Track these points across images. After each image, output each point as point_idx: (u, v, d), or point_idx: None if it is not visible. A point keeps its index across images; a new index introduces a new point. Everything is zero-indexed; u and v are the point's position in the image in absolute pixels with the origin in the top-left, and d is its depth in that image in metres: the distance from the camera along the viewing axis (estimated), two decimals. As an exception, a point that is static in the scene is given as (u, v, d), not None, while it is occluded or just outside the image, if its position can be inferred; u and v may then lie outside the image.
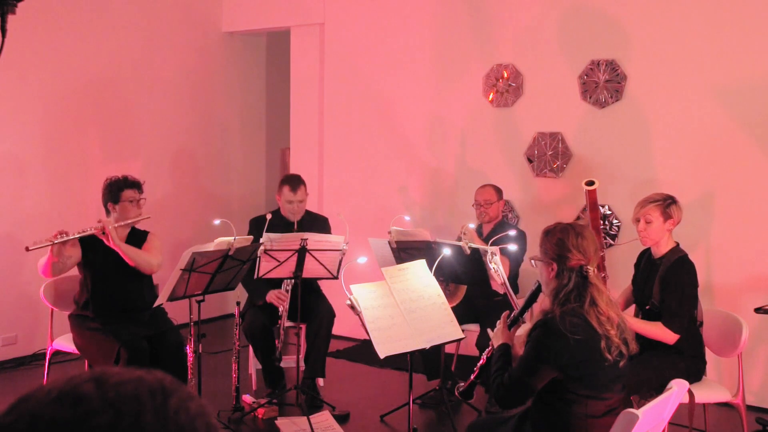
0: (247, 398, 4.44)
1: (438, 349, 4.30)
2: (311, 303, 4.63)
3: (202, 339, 4.05)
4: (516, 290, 4.66)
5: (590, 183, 4.19)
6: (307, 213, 4.86)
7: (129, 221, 4.13)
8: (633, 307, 3.91)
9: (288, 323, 4.66)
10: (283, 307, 4.38)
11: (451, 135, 5.81)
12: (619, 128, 5.10)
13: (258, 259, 4.07)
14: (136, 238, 4.25)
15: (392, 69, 6.05)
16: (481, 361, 3.00)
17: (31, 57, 5.35)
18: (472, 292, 4.64)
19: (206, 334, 4.20)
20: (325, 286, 4.78)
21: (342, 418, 4.29)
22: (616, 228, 5.11)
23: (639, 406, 2.41)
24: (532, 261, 2.75)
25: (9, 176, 5.31)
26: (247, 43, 7.13)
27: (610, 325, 2.51)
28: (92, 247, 4.07)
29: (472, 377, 3.04)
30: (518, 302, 3.61)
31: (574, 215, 5.22)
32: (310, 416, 4.04)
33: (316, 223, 4.82)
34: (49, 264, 3.91)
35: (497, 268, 3.79)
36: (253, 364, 4.86)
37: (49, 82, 5.50)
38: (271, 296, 4.44)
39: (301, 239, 4.12)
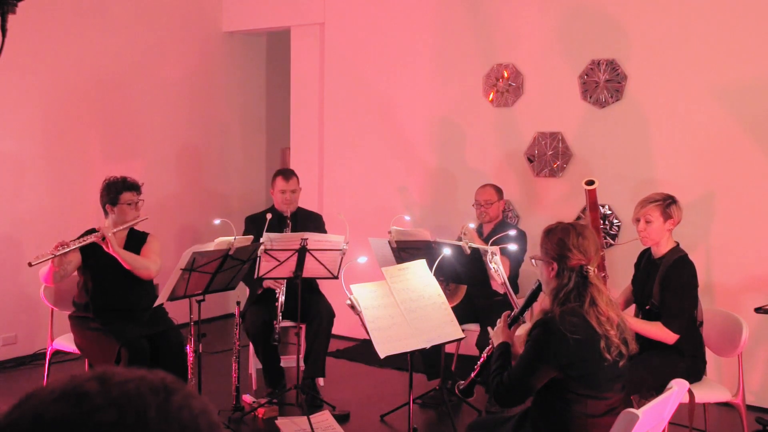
0: (247, 398, 4.44)
1: (438, 348, 4.30)
2: (311, 303, 4.63)
3: (203, 339, 4.05)
4: (516, 290, 4.66)
5: (590, 182, 4.19)
6: (301, 209, 4.88)
7: (127, 225, 4.13)
8: (633, 307, 3.91)
9: (288, 323, 4.67)
10: (280, 290, 4.40)
11: (452, 135, 5.81)
12: (619, 128, 5.10)
13: (258, 258, 4.07)
14: (135, 239, 4.25)
15: (392, 69, 6.05)
16: (481, 360, 3.00)
17: (31, 57, 5.35)
18: (472, 291, 4.65)
19: (206, 334, 4.20)
20: (325, 286, 4.78)
21: (342, 418, 4.29)
22: (616, 228, 5.11)
23: (639, 406, 2.41)
24: (533, 260, 2.75)
25: (9, 176, 5.31)
26: (247, 43, 7.13)
27: (609, 325, 2.51)
28: (92, 250, 4.07)
29: (472, 375, 3.04)
30: (518, 302, 3.60)
31: (575, 215, 5.22)
32: (310, 416, 4.03)
33: (310, 219, 4.84)
34: (50, 273, 3.93)
35: (497, 268, 3.79)
36: (254, 364, 4.86)
37: (49, 82, 5.50)
38: (269, 281, 4.46)
39: (302, 239, 4.12)
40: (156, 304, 3.88)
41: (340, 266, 4.26)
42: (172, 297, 3.77)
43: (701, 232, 4.77)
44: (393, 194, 6.06)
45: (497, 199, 4.87)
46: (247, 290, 4.89)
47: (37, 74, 5.42)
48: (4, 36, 1.84)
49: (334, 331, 4.70)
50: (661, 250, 3.68)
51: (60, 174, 5.59)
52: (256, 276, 4.19)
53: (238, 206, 6.88)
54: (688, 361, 3.57)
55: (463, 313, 4.10)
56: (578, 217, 5.18)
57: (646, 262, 3.82)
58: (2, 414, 0.74)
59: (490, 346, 2.90)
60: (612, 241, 5.09)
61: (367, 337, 3.11)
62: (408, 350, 3.16)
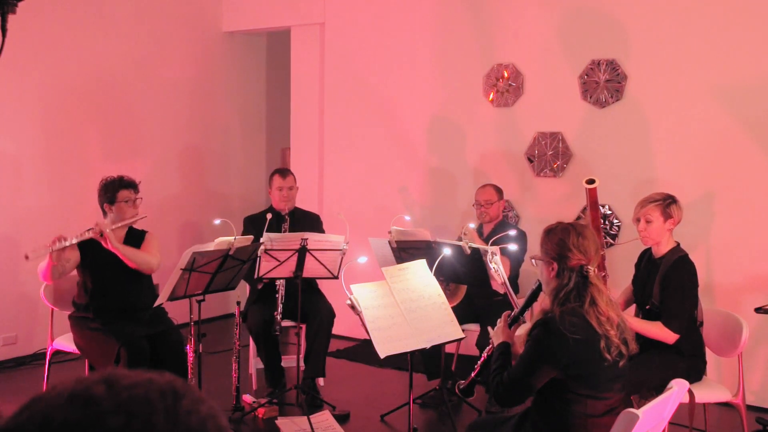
0: (248, 398, 4.45)
1: (438, 348, 4.30)
2: (311, 303, 4.63)
3: (203, 339, 4.06)
4: (516, 290, 4.66)
5: (590, 181, 4.18)
6: (299, 209, 4.91)
7: (125, 222, 4.13)
8: (633, 307, 3.91)
9: (288, 323, 4.67)
10: (280, 282, 4.42)
11: (452, 135, 5.81)
12: (619, 128, 5.10)
13: (258, 258, 4.07)
14: (134, 237, 4.25)
15: (392, 69, 6.05)
16: (481, 359, 3.00)
17: (31, 57, 5.35)
18: (472, 291, 4.64)
19: (206, 334, 4.20)
20: (325, 286, 4.78)
21: (342, 418, 4.29)
22: (617, 228, 5.11)
23: (639, 406, 2.41)
24: (533, 260, 2.75)
25: (8, 176, 5.31)
26: (248, 43, 7.13)
27: (609, 325, 2.51)
28: (91, 248, 4.07)
29: (472, 375, 3.04)
30: (518, 302, 3.61)
31: (575, 215, 5.22)
32: (311, 416, 4.04)
33: (307, 219, 4.85)
34: (48, 269, 3.91)
35: (497, 268, 3.79)
36: (254, 364, 4.86)
37: (48, 82, 5.50)
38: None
39: (302, 239, 4.12)
40: (156, 304, 3.87)
41: (340, 266, 4.26)
42: (172, 297, 3.77)
43: (701, 232, 4.77)
44: (393, 194, 6.06)
45: (497, 199, 4.87)
46: (248, 290, 4.90)
47: (36, 74, 5.42)
48: (4, 36, 1.84)
49: (334, 331, 4.70)
50: (661, 249, 3.68)
51: (60, 174, 5.59)
52: (256, 276, 4.19)
53: (238, 206, 6.88)
54: (688, 361, 3.57)
55: (463, 313, 4.10)
56: (578, 217, 5.18)
57: (646, 262, 3.82)
58: (9, 416, 0.75)
59: (490, 346, 2.90)
60: (612, 241, 5.09)
61: (367, 337, 3.11)
62: (408, 350, 3.16)
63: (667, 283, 3.56)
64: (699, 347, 3.68)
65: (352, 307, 3.14)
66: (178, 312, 4.54)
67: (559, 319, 2.49)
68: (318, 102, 6.41)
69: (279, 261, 4.14)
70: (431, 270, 3.36)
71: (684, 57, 4.86)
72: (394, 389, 4.86)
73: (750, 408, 4.20)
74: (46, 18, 5.41)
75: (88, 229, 4.09)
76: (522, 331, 2.77)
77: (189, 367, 4.08)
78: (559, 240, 2.60)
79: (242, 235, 4.51)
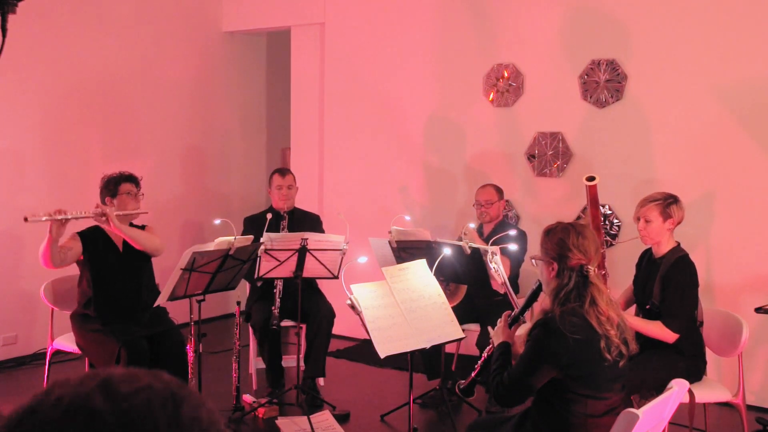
0: (248, 398, 4.44)
1: (438, 348, 4.30)
2: (311, 303, 4.63)
3: (203, 338, 4.06)
4: (516, 290, 4.66)
5: (591, 178, 4.16)
6: (299, 209, 4.91)
7: (128, 212, 4.11)
8: (633, 307, 3.91)
9: (288, 323, 4.68)
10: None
11: (452, 135, 5.81)
12: (619, 128, 5.10)
13: (258, 258, 4.08)
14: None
15: (393, 69, 6.05)
16: (481, 359, 3.00)
17: (31, 57, 5.35)
18: (472, 291, 4.65)
19: (206, 334, 4.20)
20: (325, 286, 4.79)
21: (342, 418, 4.29)
22: (617, 228, 5.11)
23: (639, 406, 2.41)
24: (533, 260, 2.75)
25: (9, 174, 5.31)
26: (248, 43, 7.13)
27: (609, 325, 2.51)
28: (93, 244, 4.07)
29: (473, 375, 3.04)
30: (518, 302, 3.60)
31: (575, 215, 5.22)
32: (311, 416, 4.04)
33: (307, 219, 4.85)
34: (48, 246, 3.81)
35: (497, 268, 3.79)
36: (254, 364, 4.86)
37: (49, 82, 5.50)
38: None
39: (302, 239, 4.13)
40: (156, 303, 3.87)
41: (340, 266, 4.26)
42: (172, 297, 3.77)
43: (701, 232, 4.77)
44: (393, 194, 6.06)
45: (498, 199, 4.87)
46: (248, 288, 4.90)
47: (36, 74, 5.42)
48: (4, 36, 1.84)
49: (334, 331, 4.70)
50: (661, 249, 3.69)
51: (60, 174, 5.59)
52: (256, 276, 4.19)
53: (238, 206, 6.88)
54: (688, 361, 3.57)
55: (463, 313, 4.10)
56: (578, 217, 5.19)
57: (647, 261, 3.82)
58: (2, 427, 0.71)
59: (491, 346, 2.90)
60: (612, 241, 5.09)
61: (367, 337, 3.11)
62: (408, 350, 3.16)
63: (667, 282, 3.56)
64: (699, 347, 3.68)
65: (352, 307, 3.14)
66: (178, 312, 4.54)
67: (560, 319, 2.49)
68: (318, 102, 6.41)
69: (279, 261, 4.14)
70: (431, 270, 3.36)
71: (684, 57, 4.86)
72: (394, 389, 4.86)
73: (750, 408, 4.20)
74: (46, 18, 5.41)
75: (92, 211, 4.01)
76: (522, 331, 2.77)
77: (189, 367, 4.07)
78: (559, 240, 2.60)
79: (242, 235, 4.51)
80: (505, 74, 5.53)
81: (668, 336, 3.50)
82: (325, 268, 4.25)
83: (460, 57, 5.73)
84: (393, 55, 6.04)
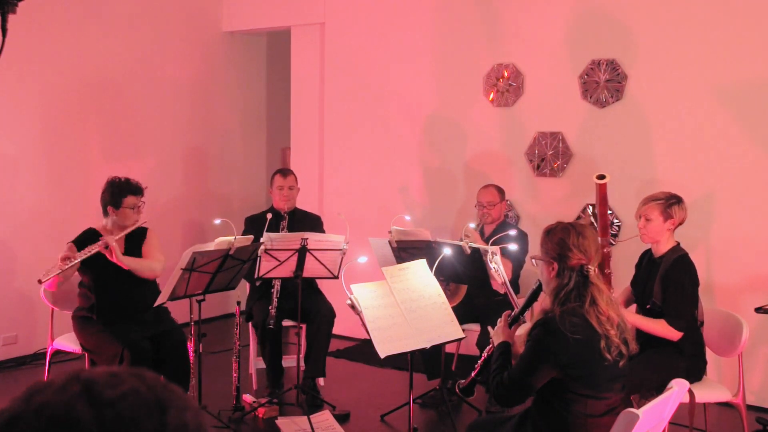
0: (248, 398, 4.45)
1: (438, 348, 4.30)
2: (312, 303, 4.63)
3: (203, 338, 4.06)
4: (516, 290, 4.66)
5: (601, 177, 4.12)
6: (300, 210, 4.91)
7: (127, 231, 4.14)
8: (634, 306, 3.91)
9: (288, 323, 4.67)
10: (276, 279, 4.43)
11: (452, 134, 5.81)
12: (619, 128, 5.10)
13: (258, 258, 4.08)
14: (135, 236, 4.25)
15: (393, 68, 6.05)
16: (481, 359, 3.00)
17: (30, 58, 5.34)
18: (472, 291, 4.64)
19: (206, 334, 4.20)
20: (325, 286, 4.78)
21: (342, 418, 4.29)
22: (617, 228, 5.11)
23: (639, 406, 2.41)
24: (533, 260, 2.75)
25: (8, 176, 5.31)
26: (248, 43, 7.13)
27: (609, 324, 2.51)
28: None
29: (472, 374, 3.04)
30: (519, 302, 3.60)
31: (575, 215, 5.22)
32: (311, 416, 4.04)
33: (307, 219, 4.85)
34: (55, 282, 3.94)
35: (497, 268, 3.79)
36: (254, 364, 4.86)
37: (48, 83, 5.50)
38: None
39: (302, 239, 4.13)
40: (156, 303, 3.88)
41: (340, 266, 4.26)
42: (173, 297, 3.77)
43: (701, 232, 4.77)
44: (393, 194, 6.06)
45: (499, 200, 4.86)
46: (248, 288, 4.90)
47: (37, 74, 5.42)
48: (4, 36, 1.84)
49: (334, 331, 4.70)
50: (661, 249, 3.69)
51: (59, 174, 5.59)
52: (256, 276, 4.19)
53: (238, 206, 6.88)
54: (689, 360, 3.58)
55: (463, 313, 4.10)
56: (578, 217, 5.19)
57: (646, 262, 3.83)
58: None
59: (491, 346, 2.90)
60: (612, 240, 5.09)
61: (368, 337, 3.11)
62: (408, 350, 3.16)
63: (668, 282, 3.57)
64: (699, 347, 3.68)
65: (353, 307, 3.14)
66: (179, 312, 4.54)
67: (560, 319, 2.49)
68: (318, 102, 6.41)
69: (279, 261, 4.14)
70: (431, 270, 3.36)
71: (684, 57, 4.86)
72: (394, 389, 4.86)
73: (750, 408, 4.20)
74: (46, 18, 5.41)
75: (86, 231, 4.11)
76: (522, 330, 2.77)
77: (190, 367, 4.08)
78: (560, 240, 2.61)
79: (243, 235, 4.52)
80: (505, 74, 5.53)
81: (673, 334, 3.51)
82: (325, 268, 4.25)
83: (460, 57, 5.73)
84: (393, 55, 6.04)
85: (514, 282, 4.70)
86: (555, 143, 5.35)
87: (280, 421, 4.12)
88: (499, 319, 2.90)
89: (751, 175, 4.68)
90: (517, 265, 4.66)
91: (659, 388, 2.76)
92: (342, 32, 6.27)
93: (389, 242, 4.35)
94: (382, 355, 3.06)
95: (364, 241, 4.61)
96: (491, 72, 5.59)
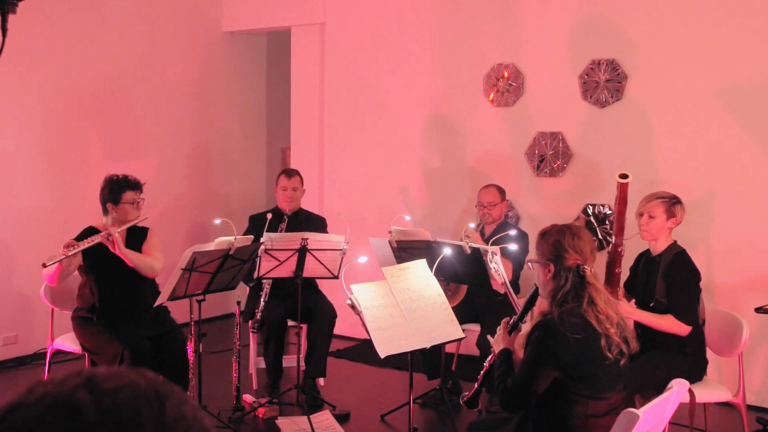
0: (248, 398, 4.44)
1: (438, 348, 4.29)
2: (313, 303, 4.63)
3: (203, 339, 4.05)
4: (517, 290, 4.66)
5: (624, 176, 4.06)
6: (304, 211, 4.89)
7: (128, 224, 4.13)
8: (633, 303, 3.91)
9: (290, 322, 4.67)
10: (267, 281, 4.41)
11: (452, 135, 5.81)
12: (619, 128, 5.10)
13: (258, 258, 4.07)
14: (136, 235, 4.25)
15: (393, 68, 6.05)
16: (483, 369, 3.00)
17: (31, 57, 5.34)
18: (472, 291, 4.64)
19: (206, 334, 4.20)
20: (326, 286, 4.78)
21: (342, 418, 4.29)
22: (617, 228, 5.11)
23: (642, 406, 2.41)
24: (529, 263, 2.76)
25: (9, 176, 5.31)
26: (248, 43, 7.13)
27: (609, 323, 2.51)
28: (91, 249, 4.07)
29: (476, 386, 3.03)
30: (519, 302, 3.60)
31: (575, 215, 5.22)
32: (311, 416, 4.04)
33: (310, 220, 4.83)
34: (57, 273, 3.91)
35: (498, 268, 3.79)
36: (254, 364, 4.86)
37: (49, 82, 5.50)
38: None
39: (302, 239, 4.12)
40: (156, 303, 3.87)
41: (340, 266, 4.26)
42: (173, 297, 3.77)
43: (702, 232, 4.77)
44: (393, 194, 6.06)
45: (500, 200, 4.86)
46: (248, 288, 4.89)
47: (37, 74, 5.42)
48: (4, 36, 1.84)
49: (334, 331, 4.70)
50: (659, 246, 3.71)
51: (59, 174, 5.59)
52: (256, 276, 4.19)
53: (238, 205, 6.88)
54: (691, 360, 3.59)
55: (463, 313, 4.10)
56: (577, 218, 5.19)
57: (645, 261, 3.83)
58: None
59: (492, 355, 2.91)
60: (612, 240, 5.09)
61: (368, 337, 3.11)
62: (408, 350, 3.16)
63: (672, 278, 3.59)
64: (701, 345, 3.70)
65: (353, 306, 3.14)
66: (179, 312, 4.54)
67: (558, 320, 2.49)
68: (318, 102, 6.41)
69: (279, 261, 4.13)
70: (431, 270, 3.36)
71: (684, 57, 4.86)
72: (394, 389, 4.86)
73: (750, 408, 4.20)
74: (46, 18, 5.41)
75: (86, 229, 4.11)
76: (522, 333, 2.77)
77: (190, 367, 4.08)
78: (555, 241, 2.61)
79: (246, 232, 4.52)
80: (505, 74, 5.53)
81: (682, 329, 3.52)
82: (325, 268, 4.25)
83: (460, 57, 5.73)
84: (393, 55, 6.04)
85: (515, 282, 4.69)
86: (555, 143, 5.35)
87: (280, 421, 4.12)
88: (498, 327, 2.90)
89: (751, 175, 4.68)
90: (517, 265, 4.65)
91: (662, 389, 2.76)
92: (342, 32, 6.27)
93: (389, 242, 4.35)
94: (382, 355, 3.06)
95: (364, 241, 4.61)
96: (491, 72, 5.59)
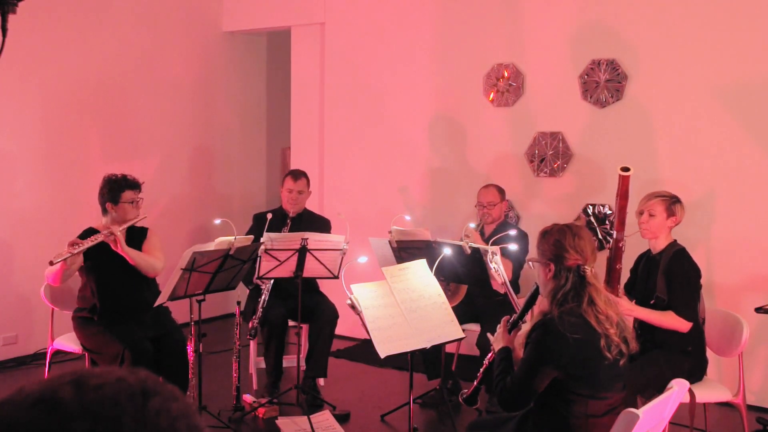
0: (248, 398, 4.44)
1: (438, 348, 4.30)
2: (315, 304, 4.63)
3: (203, 339, 4.06)
4: (517, 290, 4.66)
5: (625, 169, 4.05)
6: (308, 212, 4.89)
7: (129, 223, 4.13)
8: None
9: (291, 323, 4.67)
10: (265, 287, 4.40)
11: (452, 134, 5.81)
12: (619, 128, 5.10)
13: (258, 258, 4.07)
14: (135, 236, 4.25)
15: (393, 68, 6.05)
16: (483, 367, 3.00)
17: (31, 57, 5.35)
18: (472, 291, 4.64)
19: (206, 334, 4.20)
20: (326, 286, 4.78)
21: (342, 418, 4.29)
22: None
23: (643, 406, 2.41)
24: (530, 263, 2.76)
25: (9, 176, 5.31)
26: (248, 43, 7.13)
27: (609, 323, 2.51)
28: (92, 249, 4.07)
29: (475, 383, 3.03)
30: (519, 302, 3.61)
31: (575, 215, 5.22)
32: (311, 416, 4.04)
33: (313, 222, 4.83)
34: (60, 272, 3.91)
35: (498, 268, 3.79)
36: (254, 364, 4.86)
37: (49, 82, 5.50)
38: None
39: (302, 239, 4.12)
40: (156, 303, 3.87)
41: (340, 266, 4.26)
42: (173, 297, 3.77)
43: (702, 232, 4.77)
44: (393, 194, 6.06)
45: (500, 200, 4.86)
46: (248, 289, 4.89)
47: (37, 74, 5.42)
48: (4, 36, 1.84)
49: (335, 330, 4.70)
50: (659, 245, 3.72)
51: (59, 174, 5.59)
52: (256, 276, 4.19)
53: (238, 206, 6.88)
54: (693, 360, 3.59)
55: (463, 313, 4.10)
56: (577, 218, 5.19)
57: (645, 260, 3.84)
58: None
59: (491, 353, 2.91)
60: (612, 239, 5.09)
61: (368, 337, 3.11)
62: (408, 350, 3.16)
63: (672, 275, 3.60)
64: (702, 345, 3.70)
65: (353, 306, 3.14)
66: (179, 312, 4.54)
67: (558, 319, 2.49)
68: (318, 102, 6.41)
69: (279, 261, 4.13)
70: (431, 270, 3.36)
71: (684, 57, 4.86)
72: (394, 389, 4.86)
73: (750, 408, 4.20)
74: (46, 18, 5.41)
75: (86, 230, 4.11)
76: (521, 333, 2.78)
77: (190, 367, 4.08)
78: (556, 241, 2.61)
79: (249, 230, 4.52)
80: (505, 74, 5.53)
81: (683, 325, 3.53)
82: (326, 268, 4.25)
83: (460, 57, 5.73)
84: (393, 55, 6.04)
85: (515, 282, 4.69)
86: (555, 143, 5.35)
87: (280, 421, 4.12)
88: (498, 326, 2.90)
89: (751, 174, 4.68)
90: (517, 265, 4.65)
91: (661, 389, 2.76)
92: (342, 32, 6.27)
93: (389, 242, 4.35)
94: (383, 355, 3.06)
95: (364, 241, 4.61)
96: (491, 72, 5.59)
